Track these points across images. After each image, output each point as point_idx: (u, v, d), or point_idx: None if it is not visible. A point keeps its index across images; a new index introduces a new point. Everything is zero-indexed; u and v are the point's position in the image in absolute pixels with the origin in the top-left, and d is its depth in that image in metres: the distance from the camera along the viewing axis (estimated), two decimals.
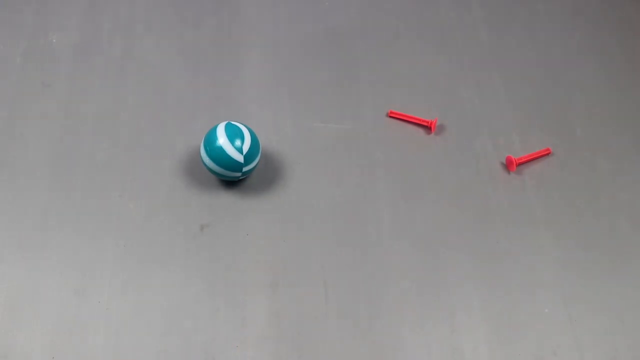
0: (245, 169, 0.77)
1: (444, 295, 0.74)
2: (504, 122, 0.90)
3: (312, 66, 0.94)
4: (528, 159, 0.86)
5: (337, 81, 0.93)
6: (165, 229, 0.77)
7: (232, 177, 0.78)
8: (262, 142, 0.82)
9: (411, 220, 0.80)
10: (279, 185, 0.82)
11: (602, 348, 0.71)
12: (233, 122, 0.78)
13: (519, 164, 0.85)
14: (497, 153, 0.87)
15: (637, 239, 0.80)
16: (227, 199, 0.80)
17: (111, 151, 0.84)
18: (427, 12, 1.03)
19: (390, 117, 0.90)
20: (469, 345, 0.71)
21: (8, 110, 0.87)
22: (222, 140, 0.75)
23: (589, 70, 0.97)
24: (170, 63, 0.93)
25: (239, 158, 0.75)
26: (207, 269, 0.75)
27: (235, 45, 0.96)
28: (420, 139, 0.88)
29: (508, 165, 0.85)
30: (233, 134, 0.76)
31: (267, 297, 0.73)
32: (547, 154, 0.87)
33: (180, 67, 0.93)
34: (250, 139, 0.77)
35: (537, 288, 0.75)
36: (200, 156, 0.78)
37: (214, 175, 0.79)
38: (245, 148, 0.76)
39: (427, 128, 0.89)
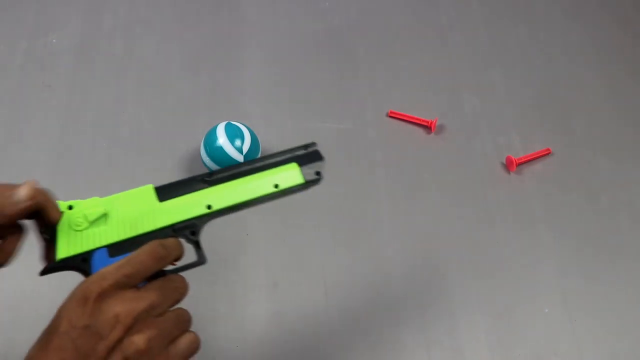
0: None
1: (444, 295, 0.74)
2: (504, 122, 0.90)
3: (312, 66, 0.94)
4: (528, 159, 0.86)
5: (337, 81, 0.93)
6: None
7: None
8: (262, 142, 0.82)
9: (411, 220, 0.80)
10: None
11: (603, 348, 0.71)
12: (233, 122, 0.78)
13: (519, 164, 0.85)
14: (497, 153, 0.87)
15: (637, 239, 0.80)
16: None
17: (111, 151, 0.84)
18: (427, 12, 1.03)
19: (390, 117, 0.90)
20: (469, 345, 0.71)
21: (8, 110, 0.87)
22: (222, 140, 0.75)
23: (589, 70, 0.97)
24: (170, 63, 0.93)
25: (239, 158, 0.75)
26: (207, 269, 0.74)
27: (235, 45, 0.96)
28: (420, 139, 0.88)
29: (508, 165, 0.85)
30: (233, 134, 0.76)
31: (267, 297, 0.73)
32: (547, 154, 0.87)
33: (180, 67, 0.93)
34: (250, 139, 0.77)
35: (537, 288, 0.75)
36: (200, 156, 0.78)
37: None
38: (245, 148, 0.76)
39: (427, 128, 0.89)
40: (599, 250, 0.79)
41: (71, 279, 0.75)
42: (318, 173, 0.50)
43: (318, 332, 0.71)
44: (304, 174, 0.49)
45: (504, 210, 0.81)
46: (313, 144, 0.51)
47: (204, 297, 0.72)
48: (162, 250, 0.44)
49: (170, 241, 0.45)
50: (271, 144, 0.85)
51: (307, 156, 0.50)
